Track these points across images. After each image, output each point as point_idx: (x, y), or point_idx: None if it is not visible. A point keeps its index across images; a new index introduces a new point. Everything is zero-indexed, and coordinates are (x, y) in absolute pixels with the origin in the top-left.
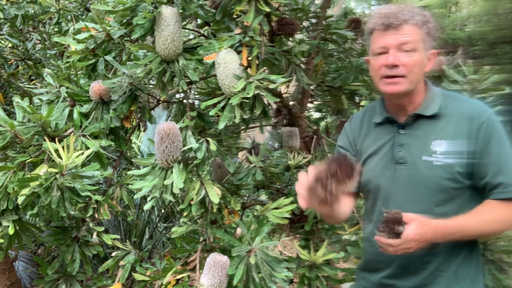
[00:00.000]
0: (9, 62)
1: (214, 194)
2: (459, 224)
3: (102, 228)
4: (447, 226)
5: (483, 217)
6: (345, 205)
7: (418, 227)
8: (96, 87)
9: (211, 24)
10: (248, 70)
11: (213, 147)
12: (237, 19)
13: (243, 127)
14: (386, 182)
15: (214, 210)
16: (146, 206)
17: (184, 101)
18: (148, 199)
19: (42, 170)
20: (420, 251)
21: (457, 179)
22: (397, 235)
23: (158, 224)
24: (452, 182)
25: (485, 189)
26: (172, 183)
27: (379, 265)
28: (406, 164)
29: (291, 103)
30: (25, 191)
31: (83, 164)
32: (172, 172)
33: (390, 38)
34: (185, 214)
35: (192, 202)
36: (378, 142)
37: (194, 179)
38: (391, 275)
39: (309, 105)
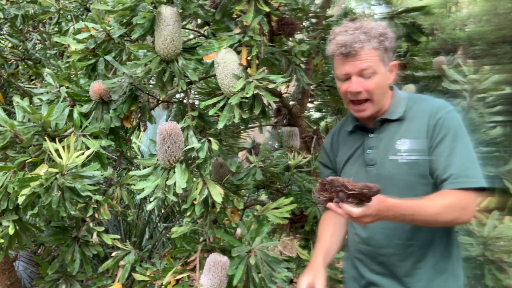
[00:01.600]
0: (9, 62)
1: (217, 193)
2: (412, 206)
3: (102, 228)
4: (401, 206)
5: (435, 202)
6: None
7: (377, 204)
8: (96, 87)
9: (210, 23)
10: (248, 70)
11: (215, 146)
12: (236, 19)
13: (243, 127)
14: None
15: (217, 210)
16: (149, 207)
17: (185, 101)
18: (151, 199)
19: (42, 170)
20: (396, 248)
21: (423, 175)
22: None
23: (158, 224)
24: (419, 178)
25: (437, 183)
26: (174, 183)
27: (359, 263)
28: (375, 165)
29: (291, 103)
30: (25, 191)
31: (83, 164)
32: (174, 172)
33: (350, 66)
34: (188, 214)
35: (195, 202)
36: (352, 149)
37: (195, 179)
38: (372, 271)
39: (309, 105)
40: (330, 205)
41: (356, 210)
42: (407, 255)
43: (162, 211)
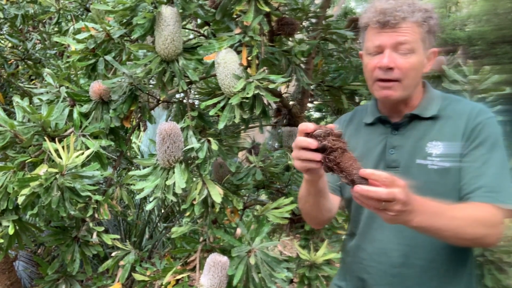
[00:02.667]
0: (9, 62)
1: (217, 193)
2: (441, 207)
3: (102, 228)
4: (429, 204)
5: (465, 211)
6: (332, 201)
7: (408, 192)
8: (96, 87)
9: (211, 24)
10: (248, 70)
11: (214, 146)
12: (237, 19)
13: (243, 127)
14: None
15: (217, 210)
16: (148, 207)
17: (185, 101)
18: (150, 199)
19: (42, 170)
20: (414, 269)
21: (455, 186)
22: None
23: (158, 224)
24: (450, 189)
25: (464, 192)
26: (174, 183)
27: (357, 281)
28: (398, 168)
29: (291, 103)
30: (25, 191)
31: (83, 164)
32: (174, 172)
33: (386, 37)
34: (187, 214)
35: (194, 202)
36: (368, 144)
37: (195, 179)
38: None
39: (309, 105)
40: (357, 188)
41: (384, 191)
42: (426, 280)
43: (162, 211)
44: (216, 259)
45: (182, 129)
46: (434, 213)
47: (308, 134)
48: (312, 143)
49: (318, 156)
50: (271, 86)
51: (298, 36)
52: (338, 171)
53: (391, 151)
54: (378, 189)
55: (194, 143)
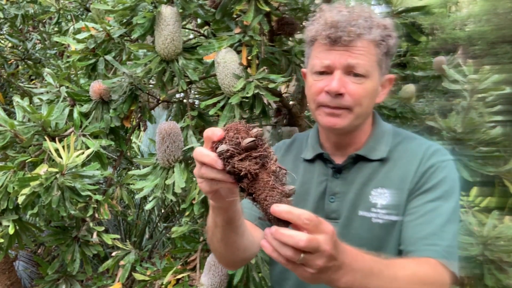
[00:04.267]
0: (9, 62)
1: None
2: (378, 262)
3: (102, 228)
4: (365, 258)
5: (408, 267)
6: (251, 237)
7: (336, 242)
8: (96, 86)
9: (210, 23)
10: (248, 69)
11: None
12: (237, 19)
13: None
14: None
15: None
16: (148, 206)
17: (185, 100)
18: (150, 199)
19: (42, 169)
20: None
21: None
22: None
23: (158, 224)
24: (397, 244)
25: (405, 243)
26: (173, 183)
27: None
28: (338, 220)
29: (291, 102)
30: (25, 190)
31: (83, 164)
32: (173, 172)
33: (336, 56)
34: (187, 213)
35: (194, 202)
36: (305, 185)
37: (194, 178)
38: None
39: None
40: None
41: (303, 236)
42: None
43: (162, 211)
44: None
45: (182, 128)
46: (369, 271)
47: (216, 143)
48: (217, 162)
49: (225, 178)
50: (271, 85)
51: (298, 36)
52: (253, 201)
53: (331, 199)
54: (296, 233)
55: (194, 142)
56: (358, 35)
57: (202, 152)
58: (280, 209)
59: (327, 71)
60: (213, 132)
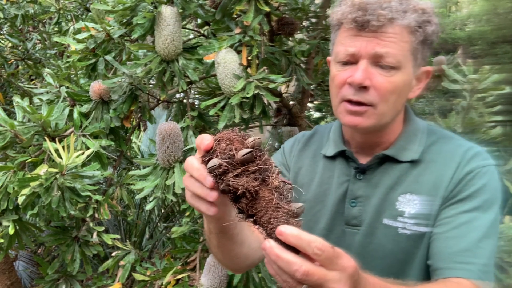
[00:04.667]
0: (9, 62)
1: None
2: None
3: (102, 228)
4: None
5: None
6: (253, 242)
7: (350, 261)
8: (96, 87)
9: (211, 23)
10: (248, 69)
11: None
12: (237, 19)
13: (243, 127)
14: None
15: None
16: (148, 206)
17: (185, 100)
18: (150, 199)
19: (42, 170)
20: None
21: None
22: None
23: (158, 224)
24: (423, 261)
25: (434, 258)
26: (174, 183)
27: None
28: (359, 227)
29: (291, 102)
30: (25, 191)
31: (83, 164)
32: (173, 172)
33: (363, 43)
34: (187, 214)
35: None
36: (324, 185)
37: None
38: None
39: (309, 104)
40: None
41: (302, 266)
42: None
43: (162, 211)
44: None
45: (182, 129)
46: None
47: (208, 153)
48: (206, 179)
49: (213, 197)
50: (271, 85)
51: (298, 36)
52: (254, 225)
53: (353, 203)
54: (293, 259)
55: (194, 143)
56: (389, 20)
57: (193, 165)
58: (287, 232)
59: (351, 61)
60: (201, 140)
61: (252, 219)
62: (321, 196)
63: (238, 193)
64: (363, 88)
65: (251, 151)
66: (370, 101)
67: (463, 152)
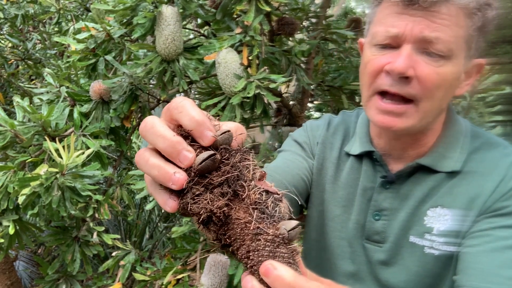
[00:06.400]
0: (9, 62)
1: None
2: None
3: (103, 228)
4: None
5: None
6: None
7: None
8: (96, 86)
9: (211, 23)
10: (249, 69)
11: None
12: (237, 19)
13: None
14: (345, 265)
15: None
16: (148, 206)
17: None
18: (150, 199)
19: (42, 169)
20: None
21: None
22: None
23: (158, 224)
24: (452, 276)
25: (461, 278)
26: None
27: None
28: (383, 244)
29: (291, 102)
30: (26, 190)
31: (84, 164)
32: None
33: (409, 23)
34: None
35: None
36: (349, 189)
37: None
38: None
39: (309, 104)
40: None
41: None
42: None
43: (162, 211)
44: (216, 258)
45: None
46: None
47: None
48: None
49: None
50: (272, 85)
51: (298, 36)
52: (235, 258)
53: (377, 215)
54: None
55: None
56: None
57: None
58: (274, 274)
59: (392, 44)
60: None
61: (229, 252)
62: (344, 201)
63: (201, 218)
64: (404, 78)
65: (212, 155)
66: (413, 95)
67: (510, 163)
